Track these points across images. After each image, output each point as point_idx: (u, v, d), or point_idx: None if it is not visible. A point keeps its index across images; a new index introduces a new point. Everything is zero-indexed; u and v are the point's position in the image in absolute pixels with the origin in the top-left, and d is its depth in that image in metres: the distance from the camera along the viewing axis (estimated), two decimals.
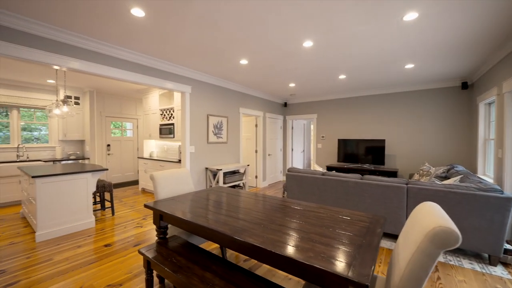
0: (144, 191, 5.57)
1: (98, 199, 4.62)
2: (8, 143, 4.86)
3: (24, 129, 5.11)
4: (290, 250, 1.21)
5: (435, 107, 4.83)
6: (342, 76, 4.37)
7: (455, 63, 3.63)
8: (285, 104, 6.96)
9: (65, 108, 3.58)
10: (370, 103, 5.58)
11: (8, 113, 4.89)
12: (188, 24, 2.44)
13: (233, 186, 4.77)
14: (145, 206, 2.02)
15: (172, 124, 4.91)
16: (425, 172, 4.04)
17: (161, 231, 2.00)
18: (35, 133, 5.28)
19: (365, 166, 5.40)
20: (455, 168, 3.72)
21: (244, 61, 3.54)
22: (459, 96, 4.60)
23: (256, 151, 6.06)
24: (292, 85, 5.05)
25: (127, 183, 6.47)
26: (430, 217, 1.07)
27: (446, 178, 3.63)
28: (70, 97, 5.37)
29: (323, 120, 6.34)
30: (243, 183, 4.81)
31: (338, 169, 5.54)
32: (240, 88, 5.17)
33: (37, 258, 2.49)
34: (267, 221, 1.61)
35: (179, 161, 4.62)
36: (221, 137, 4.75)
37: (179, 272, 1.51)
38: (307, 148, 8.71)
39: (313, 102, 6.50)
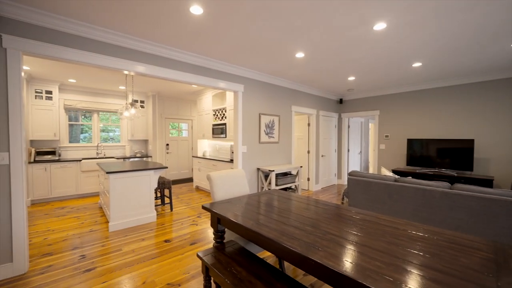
0: (198, 188, 5.81)
1: (158, 194, 4.97)
2: (91, 142, 5.67)
3: (102, 130, 5.90)
4: (393, 287, 0.90)
5: None
6: (416, 64, 3.67)
7: None
8: (341, 101, 6.37)
9: (132, 110, 3.92)
10: (452, 95, 4.61)
11: (91, 116, 5.70)
12: (244, 17, 2.31)
13: (285, 189, 4.53)
14: (203, 207, 1.95)
15: (224, 124, 4.95)
16: None
17: (219, 235, 1.89)
18: (111, 134, 6.05)
19: (443, 171, 4.48)
20: None
21: (300, 54, 3.27)
22: None
23: (308, 152, 5.69)
24: (351, 78, 4.53)
25: (182, 180, 6.89)
26: None
27: None
28: (136, 101, 5.98)
29: (387, 117, 5.55)
30: (295, 185, 4.53)
31: (408, 174, 4.74)
32: (292, 85, 4.90)
33: (109, 247, 2.72)
34: (342, 238, 1.32)
35: (231, 160, 4.61)
36: (273, 137, 4.56)
37: (240, 287, 1.35)
38: (364, 149, 7.87)
39: (375, 97, 5.76)
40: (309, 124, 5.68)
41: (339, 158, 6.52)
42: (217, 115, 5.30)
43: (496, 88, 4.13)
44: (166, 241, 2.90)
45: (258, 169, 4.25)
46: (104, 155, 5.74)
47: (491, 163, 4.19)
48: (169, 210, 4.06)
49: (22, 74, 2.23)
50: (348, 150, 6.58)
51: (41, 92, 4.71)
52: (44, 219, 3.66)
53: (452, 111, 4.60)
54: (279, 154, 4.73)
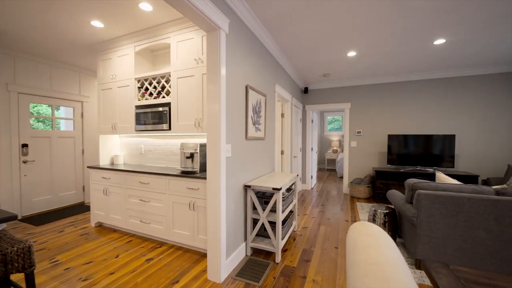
0: (102, 227, 3.10)
1: None
2: None
3: None
4: None
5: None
6: (439, 41, 2.92)
7: None
8: (306, 90, 5.29)
9: None
10: (431, 89, 4.36)
11: None
12: None
13: (286, 218, 2.83)
14: None
15: (167, 105, 2.68)
16: None
17: None
18: None
19: (428, 169, 4.17)
20: None
21: None
22: None
23: (282, 153, 4.22)
24: (351, 54, 3.40)
25: (63, 210, 3.77)
26: None
27: None
28: None
29: (361, 111, 4.91)
30: (294, 205, 2.92)
31: (393, 175, 4.17)
32: (277, 54, 3.25)
33: None
34: None
35: (184, 173, 2.45)
36: (260, 130, 2.76)
37: None
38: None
39: (347, 87, 5.00)
40: (283, 115, 4.21)
41: (304, 159, 5.44)
42: (147, 89, 2.90)
43: (480, 83, 4.09)
44: None
45: (247, 187, 2.33)
46: None
47: (460, 159, 4.17)
48: None
49: None
50: (312, 149, 5.62)
51: None
52: None
53: (434, 105, 4.36)
54: (264, 157, 2.98)
